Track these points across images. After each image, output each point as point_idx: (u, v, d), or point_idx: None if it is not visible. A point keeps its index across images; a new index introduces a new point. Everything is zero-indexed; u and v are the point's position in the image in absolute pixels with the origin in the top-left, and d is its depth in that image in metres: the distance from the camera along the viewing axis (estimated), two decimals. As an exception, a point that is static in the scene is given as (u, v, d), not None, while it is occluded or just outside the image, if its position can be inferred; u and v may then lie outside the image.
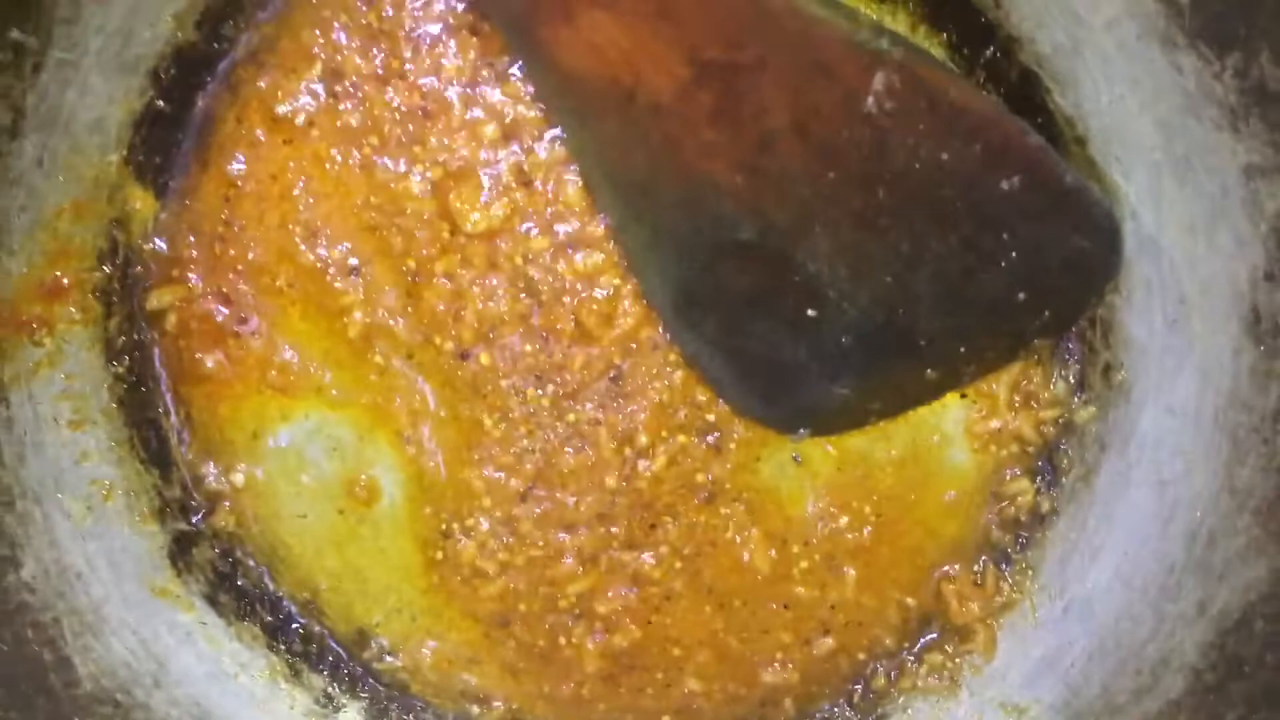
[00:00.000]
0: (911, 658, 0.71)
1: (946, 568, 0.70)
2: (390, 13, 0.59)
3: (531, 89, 0.54)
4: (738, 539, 0.68)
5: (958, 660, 0.70)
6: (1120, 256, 0.60)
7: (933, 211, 0.53)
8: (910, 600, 0.70)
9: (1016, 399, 0.67)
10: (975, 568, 0.69)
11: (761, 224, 0.53)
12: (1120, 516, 0.65)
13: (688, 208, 0.53)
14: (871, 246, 0.54)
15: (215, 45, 0.64)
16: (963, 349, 0.61)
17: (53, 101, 0.60)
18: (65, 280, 0.63)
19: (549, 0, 0.46)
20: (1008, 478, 0.69)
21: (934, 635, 0.70)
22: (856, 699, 0.71)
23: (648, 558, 0.68)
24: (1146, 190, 0.60)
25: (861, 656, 0.70)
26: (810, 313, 0.57)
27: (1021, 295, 0.58)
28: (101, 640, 0.65)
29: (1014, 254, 0.55)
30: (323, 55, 0.61)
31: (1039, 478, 0.69)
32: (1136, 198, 0.60)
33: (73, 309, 0.64)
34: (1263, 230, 0.55)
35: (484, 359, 0.63)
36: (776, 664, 0.70)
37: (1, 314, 0.62)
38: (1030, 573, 0.69)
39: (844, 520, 0.68)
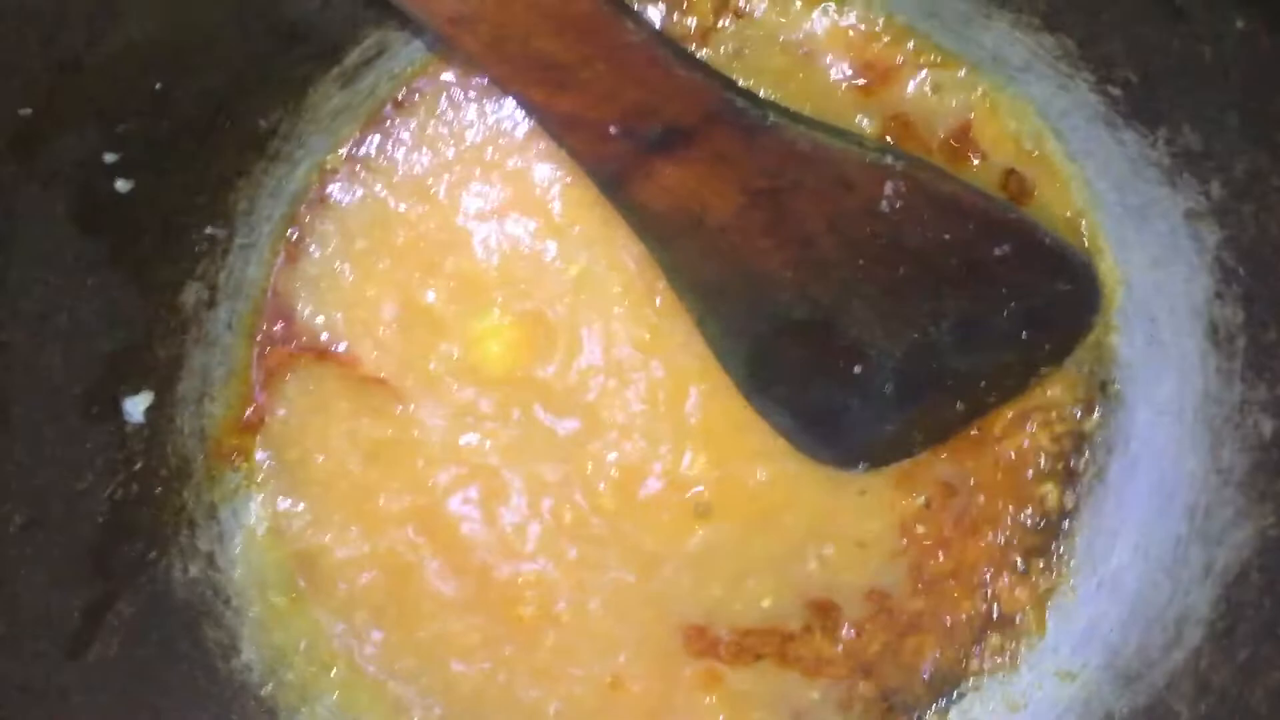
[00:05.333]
0: (977, 644, 0.83)
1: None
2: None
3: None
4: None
5: (1015, 641, 0.81)
6: (1099, 295, 0.73)
7: (943, 278, 0.67)
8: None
9: (1034, 421, 0.80)
10: (1018, 561, 0.82)
11: (811, 305, 0.67)
12: (1131, 503, 0.76)
13: (752, 300, 0.67)
14: (899, 311, 0.68)
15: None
16: (983, 383, 0.74)
17: (237, 276, 0.75)
18: (256, 416, 0.78)
19: (634, 164, 0.61)
20: (1036, 483, 0.81)
21: (991, 621, 0.82)
22: (931, 681, 0.81)
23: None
24: (1115, 236, 0.74)
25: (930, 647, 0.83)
26: (856, 370, 0.70)
27: (1024, 334, 0.71)
28: (308, 706, 0.79)
29: (1013, 302, 0.69)
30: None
31: (1061, 480, 0.79)
32: (1107, 242, 0.74)
33: (260, 438, 0.79)
34: (1208, 260, 0.68)
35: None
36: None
37: (210, 448, 0.77)
38: (1065, 558, 0.80)
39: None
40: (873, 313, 0.67)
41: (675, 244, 0.65)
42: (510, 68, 0.58)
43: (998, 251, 0.66)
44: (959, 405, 0.75)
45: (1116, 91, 0.67)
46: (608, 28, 0.57)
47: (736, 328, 0.69)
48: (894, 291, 0.67)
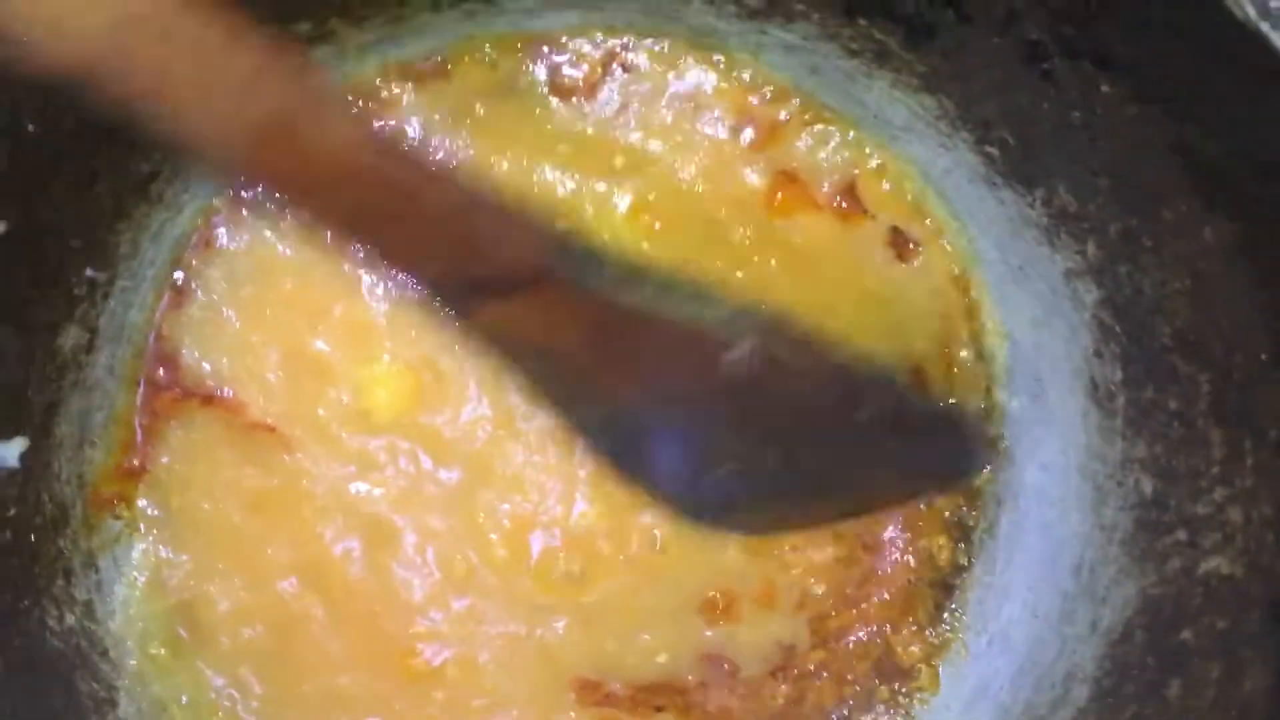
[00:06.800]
0: (873, 701, 0.82)
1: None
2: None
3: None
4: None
5: (910, 698, 0.81)
6: (983, 454, 0.73)
7: (805, 429, 0.63)
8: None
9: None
10: (912, 618, 0.82)
11: (666, 421, 0.64)
12: (1020, 559, 0.77)
13: (604, 413, 0.63)
14: (760, 445, 0.63)
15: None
16: (858, 506, 0.70)
17: (118, 320, 0.74)
18: (138, 463, 0.77)
19: (462, 303, 0.55)
20: (931, 539, 0.81)
21: (885, 678, 0.82)
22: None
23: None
24: (998, 295, 0.75)
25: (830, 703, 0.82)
26: (725, 468, 0.63)
27: (899, 479, 0.67)
28: (188, 764, 0.78)
29: (886, 457, 0.64)
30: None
31: (954, 536, 0.80)
32: (991, 301, 0.75)
33: (142, 486, 0.78)
34: (1087, 319, 0.69)
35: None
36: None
37: (89, 495, 0.76)
38: (958, 614, 0.80)
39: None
40: (730, 441, 0.62)
41: (519, 365, 0.61)
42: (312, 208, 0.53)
43: (865, 415, 0.62)
44: (835, 509, 0.70)
45: (994, 152, 0.68)
46: (413, 194, 0.52)
47: (589, 430, 0.66)
48: (751, 429, 0.62)
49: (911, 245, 0.74)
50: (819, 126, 0.74)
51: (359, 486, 0.77)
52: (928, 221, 0.75)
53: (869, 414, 0.62)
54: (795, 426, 0.62)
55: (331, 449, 0.77)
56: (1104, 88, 0.60)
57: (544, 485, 0.77)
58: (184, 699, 0.78)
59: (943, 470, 0.68)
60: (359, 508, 0.77)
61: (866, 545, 0.79)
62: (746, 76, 0.74)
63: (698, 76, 0.74)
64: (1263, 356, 0.60)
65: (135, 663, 0.76)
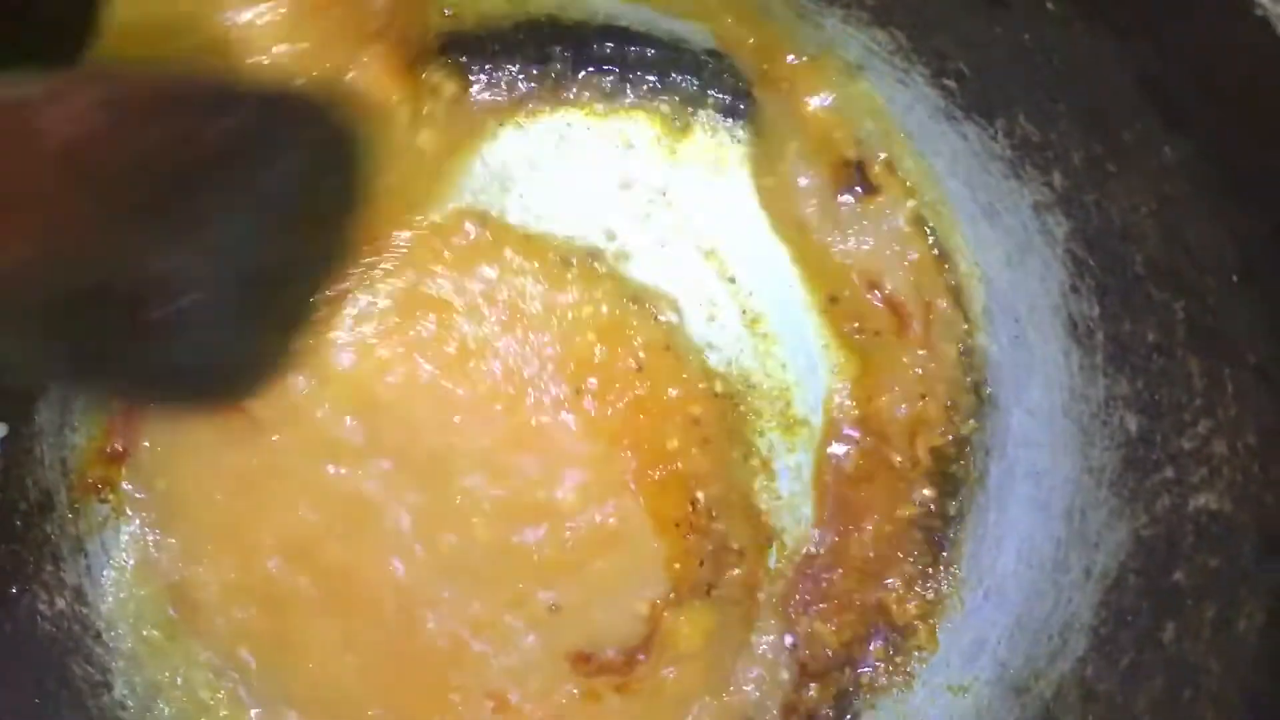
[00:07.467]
0: (872, 660, 0.80)
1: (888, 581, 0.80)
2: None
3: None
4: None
5: (908, 656, 0.79)
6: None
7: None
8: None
9: (916, 429, 0.78)
10: (905, 575, 0.80)
11: None
12: (1012, 508, 0.75)
13: None
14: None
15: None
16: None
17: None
18: (120, 447, 0.78)
19: None
20: (921, 491, 0.79)
21: (883, 639, 0.80)
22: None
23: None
24: (970, 234, 0.73)
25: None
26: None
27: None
28: (184, 745, 0.78)
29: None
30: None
31: (944, 488, 0.78)
32: (964, 240, 0.73)
33: (126, 470, 0.79)
34: (1059, 253, 0.67)
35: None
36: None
37: (74, 480, 0.77)
38: (953, 569, 0.78)
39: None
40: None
41: None
42: None
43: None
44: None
45: (952, 84, 0.67)
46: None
47: None
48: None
49: (877, 186, 0.73)
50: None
51: (336, 467, 0.77)
52: (893, 162, 0.73)
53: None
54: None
55: (306, 430, 0.76)
56: (1049, 6, 0.58)
57: (521, 464, 0.76)
58: (179, 680, 0.78)
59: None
60: (338, 488, 0.77)
61: (854, 509, 0.78)
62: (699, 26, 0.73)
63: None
64: (1234, 278, 0.58)
65: (129, 645, 0.77)
